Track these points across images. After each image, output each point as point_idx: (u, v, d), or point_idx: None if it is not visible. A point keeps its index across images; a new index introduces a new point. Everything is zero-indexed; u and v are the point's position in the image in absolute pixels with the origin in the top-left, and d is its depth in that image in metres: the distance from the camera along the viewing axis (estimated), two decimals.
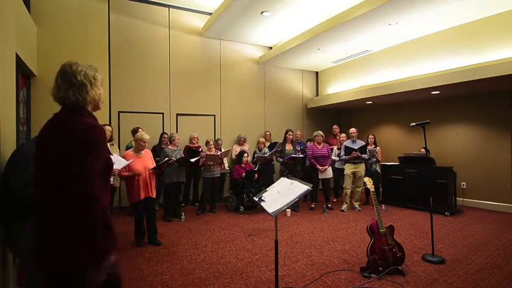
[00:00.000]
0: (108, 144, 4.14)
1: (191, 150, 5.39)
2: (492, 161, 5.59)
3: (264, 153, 6.14)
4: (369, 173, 5.64)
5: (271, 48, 7.37)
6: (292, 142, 5.93)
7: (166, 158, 4.41)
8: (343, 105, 7.68)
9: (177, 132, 6.19)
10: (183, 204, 5.84)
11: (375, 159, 5.87)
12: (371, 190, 3.31)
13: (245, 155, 5.88)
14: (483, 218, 5.00)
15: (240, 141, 6.66)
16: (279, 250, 3.51)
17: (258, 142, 6.57)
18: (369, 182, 3.37)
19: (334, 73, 7.93)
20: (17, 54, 3.06)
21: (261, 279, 2.84)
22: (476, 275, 2.86)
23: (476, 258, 3.27)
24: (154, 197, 3.84)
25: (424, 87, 5.27)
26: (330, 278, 2.84)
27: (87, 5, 5.04)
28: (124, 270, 2.86)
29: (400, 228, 4.39)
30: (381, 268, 2.85)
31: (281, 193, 2.30)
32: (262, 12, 5.38)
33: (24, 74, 4.23)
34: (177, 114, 6.42)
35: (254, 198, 2.59)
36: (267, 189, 2.52)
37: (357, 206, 5.67)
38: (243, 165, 5.83)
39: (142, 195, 3.65)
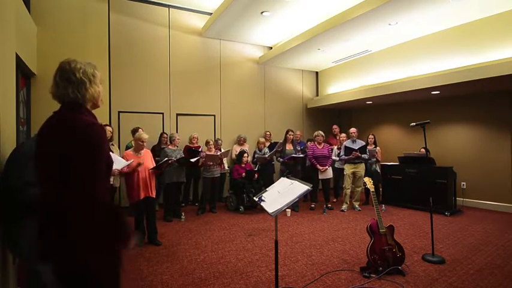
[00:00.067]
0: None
1: (191, 150, 5.39)
2: (492, 161, 5.59)
3: (264, 154, 6.14)
4: (368, 173, 5.64)
5: (271, 48, 7.37)
6: (292, 142, 5.93)
7: (166, 158, 4.41)
8: (343, 105, 7.67)
9: (177, 132, 6.19)
10: (183, 204, 5.84)
11: (374, 159, 5.88)
12: (371, 190, 3.32)
13: (245, 155, 5.88)
14: (483, 218, 5.00)
15: (240, 141, 6.66)
16: (279, 250, 3.51)
17: (258, 142, 6.58)
18: (368, 182, 3.37)
19: (334, 73, 7.93)
20: (17, 54, 3.06)
21: (261, 279, 2.84)
22: (476, 275, 2.86)
23: (476, 258, 3.27)
24: (154, 196, 3.84)
25: (424, 87, 5.27)
26: (330, 278, 2.84)
27: (87, 5, 5.04)
28: (124, 270, 2.85)
29: (400, 228, 4.39)
30: (380, 268, 2.85)
31: (281, 193, 2.30)
32: (262, 12, 5.38)
33: (24, 74, 4.23)
34: (177, 114, 6.42)
35: (254, 198, 2.59)
36: (267, 189, 2.52)
37: (356, 206, 5.67)
38: (243, 165, 5.83)
39: (142, 195, 3.65)
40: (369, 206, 5.86)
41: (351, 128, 5.77)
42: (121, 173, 3.57)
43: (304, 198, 6.11)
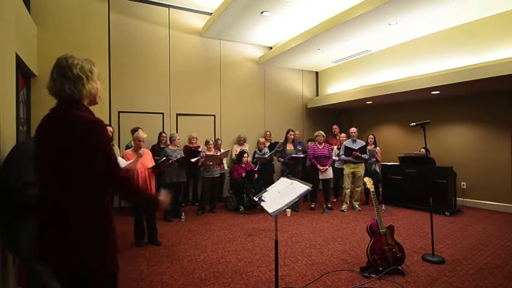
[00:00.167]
0: None
1: (190, 150, 5.39)
2: (492, 161, 5.59)
3: (264, 154, 6.14)
4: (368, 173, 5.63)
5: (271, 48, 7.37)
6: (293, 142, 5.93)
7: (164, 158, 4.41)
8: (343, 105, 7.67)
9: (177, 132, 6.20)
10: (183, 204, 5.84)
11: (374, 159, 5.88)
12: (371, 190, 3.31)
13: (245, 155, 5.88)
14: (483, 218, 5.00)
15: (240, 141, 6.66)
16: (279, 250, 3.51)
17: (258, 142, 6.57)
18: (368, 182, 3.37)
19: (334, 73, 7.93)
20: (17, 54, 3.06)
21: (261, 279, 2.84)
22: (476, 275, 2.86)
23: (476, 258, 3.27)
24: None
25: (424, 87, 5.27)
26: (330, 278, 2.84)
27: (87, 5, 5.04)
28: (124, 270, 2.85)
29: (400, 228, 4.39)
30: (380, 268, 2.85)
31: (281, 193, 2.29)
32: (262, 12, 5.38)
33: (24, 74, 4.23)
34: (177, 114, 6.42)
35: (254, 198, 2.59)
36: (267, 189, 2.52)
37: (356, 206, 5.66)
38: (243, 165, 5.83)
39: None
40: (369, 206, 5.86)
41: (350, 128, 5.77)
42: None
43: (304, 198, 6.11)
